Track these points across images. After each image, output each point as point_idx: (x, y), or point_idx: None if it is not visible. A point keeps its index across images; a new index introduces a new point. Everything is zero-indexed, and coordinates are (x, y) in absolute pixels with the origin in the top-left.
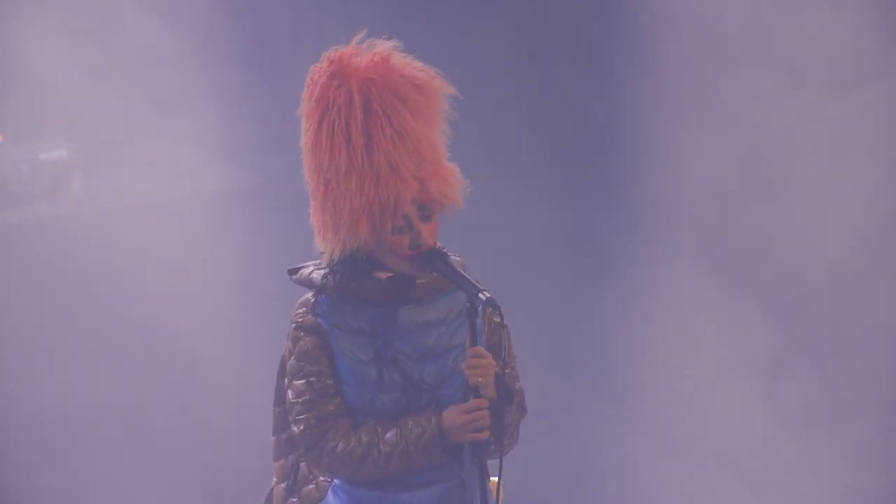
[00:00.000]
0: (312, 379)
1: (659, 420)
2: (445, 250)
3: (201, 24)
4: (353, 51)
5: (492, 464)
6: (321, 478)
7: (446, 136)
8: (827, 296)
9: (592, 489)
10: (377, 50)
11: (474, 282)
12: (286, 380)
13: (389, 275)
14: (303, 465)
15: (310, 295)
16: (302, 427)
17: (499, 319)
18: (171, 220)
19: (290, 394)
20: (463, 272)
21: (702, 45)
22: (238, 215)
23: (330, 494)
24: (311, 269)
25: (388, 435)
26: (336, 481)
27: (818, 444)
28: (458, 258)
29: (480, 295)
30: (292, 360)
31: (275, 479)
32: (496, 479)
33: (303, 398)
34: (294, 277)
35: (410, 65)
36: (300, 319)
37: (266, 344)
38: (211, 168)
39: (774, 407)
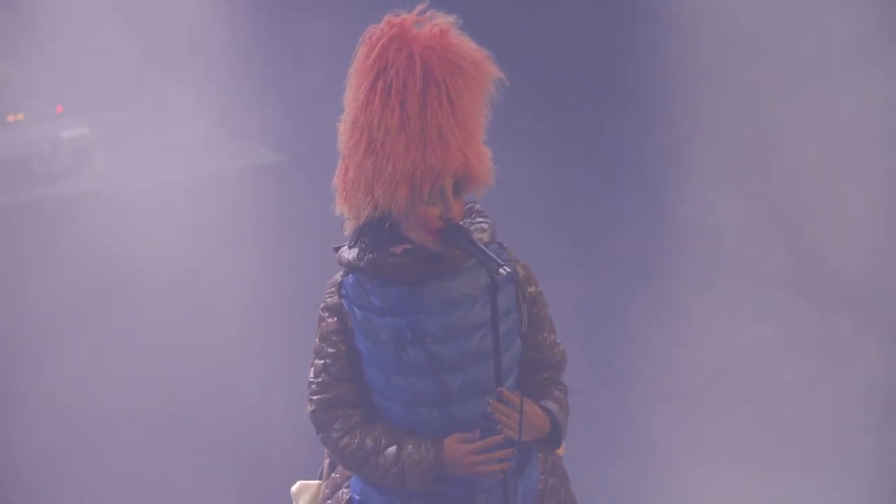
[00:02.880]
0: (329, 361)
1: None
2: (470, 221)
3: (230, 6)
4: (414, 18)
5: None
6: None
7: (487, 119)
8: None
9: (617, 466)
10: (436, 22)
11: (495, 257)
12: (312, 356)
13: (406, 247)
14: None
15: (339, 275)
16: (313, 408)
17: (533, 289)
18: (191, 198)
19: (311, 372)
20: (483, 247)
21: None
22: (257, 193)
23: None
24: (345, 247)
25: (389, 450)
26: None
27: (837, 424)
28: (489, 222)
29: (501, 270)
30: (316, 339)
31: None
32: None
33: (318, 379)
34: (336, 257)
35: (466, 42)
36: (327, 300)
37: (284, 321)
38: (230, 147)
39: (795, 388)
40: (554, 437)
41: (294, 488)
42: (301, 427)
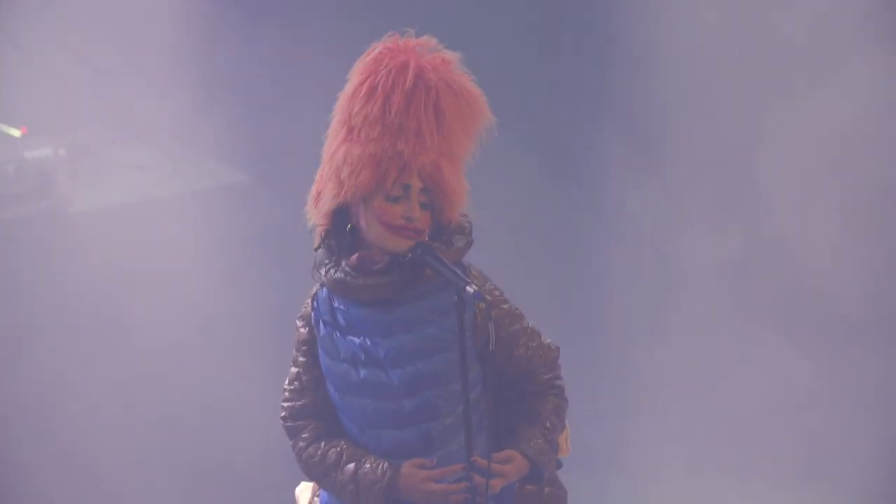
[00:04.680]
0: (300, 370)
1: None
2: (433, 244)
3: (194, 23)
4: (419, 42)
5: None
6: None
7: (471, 157)
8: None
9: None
10: (441, 52)
11: (461, 274)
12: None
13: (361, 254)
14: None
15: (317, 286)
16: (283, 415)
17: (484, 306)
18: (158, 220)
19: (286, 379)
20: (449, 265)
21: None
22: (226, 214)
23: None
24: (318, 253)
25: (348, 467)
26: None
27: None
28: (463, 241)
29: (468, 288)
30: (293, 348)
31: None
32: None
33: (291, 386)
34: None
35: (467, 77)
36: (303, 309)
37: (257, 342)
38: (198, 167)
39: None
40: (535, 476)
41: (298, 489)
42: (276, 437)
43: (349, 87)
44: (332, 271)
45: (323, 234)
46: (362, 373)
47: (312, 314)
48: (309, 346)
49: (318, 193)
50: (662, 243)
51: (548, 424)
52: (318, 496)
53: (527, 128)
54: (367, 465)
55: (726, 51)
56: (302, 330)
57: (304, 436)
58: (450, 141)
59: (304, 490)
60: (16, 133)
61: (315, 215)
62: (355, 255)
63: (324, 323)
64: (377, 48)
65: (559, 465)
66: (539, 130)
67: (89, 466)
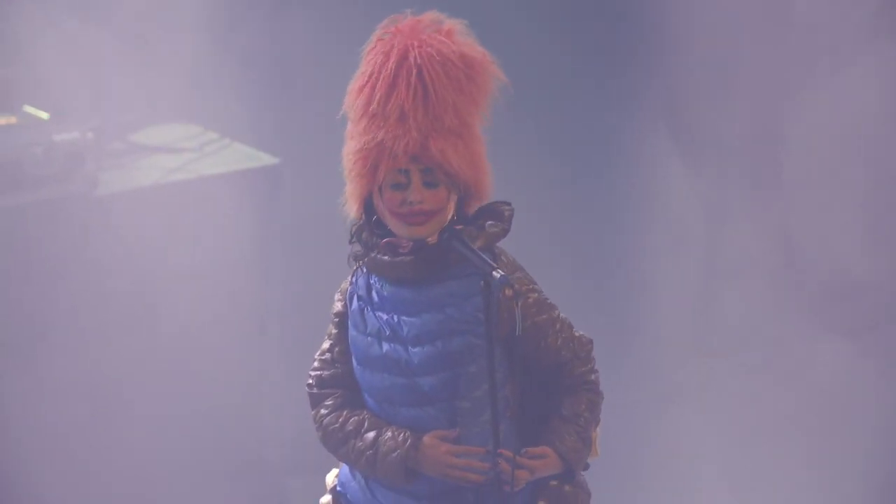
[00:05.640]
0: (333, 342)
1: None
2: (460, 227)
3: (214, 6)
4: (422, 19)
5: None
6: None
7: (485, 121)
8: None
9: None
10: (445, 24)
11: (488, 260)
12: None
13: (389, 240)
14: None
15: (359, 263)
16: (310, 382)
17: (511, 293)
18: (185, 203)
19: (319, 349)
20: (476, 251)
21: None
22: (256, 197)
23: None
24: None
25: (368, 434)
26: None
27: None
28: (496, 227)
29: (494, 273)
30: (330, 322)
31: None
32: None
33: (322, 357)
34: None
35: (469, 43)
36: (342, 284)
37: (286, 327)
38: (226, 150)
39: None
40: (567, 475)
41: (328, 476)
42: (294, 429)
43: (355, 83)
44: (368, 253)
45: (354, 229)
46: (385, 348)
47: (349, 289)
48: (341, 319)
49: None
50: (703, 237)
51: (581, 421)
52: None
53: (559, 119)
54: (389, 434)
55: (763, 42)
56: (338, 303)
57: (327, 403)
58: (439, 113)
59: (332, 476)
60: (44, 115)
61: (350, 209)
62: (384, 241)
63: (358, 297)
64: (379, 33)
65: (586, 466)
66: (577, 123)
67: (133, 454)
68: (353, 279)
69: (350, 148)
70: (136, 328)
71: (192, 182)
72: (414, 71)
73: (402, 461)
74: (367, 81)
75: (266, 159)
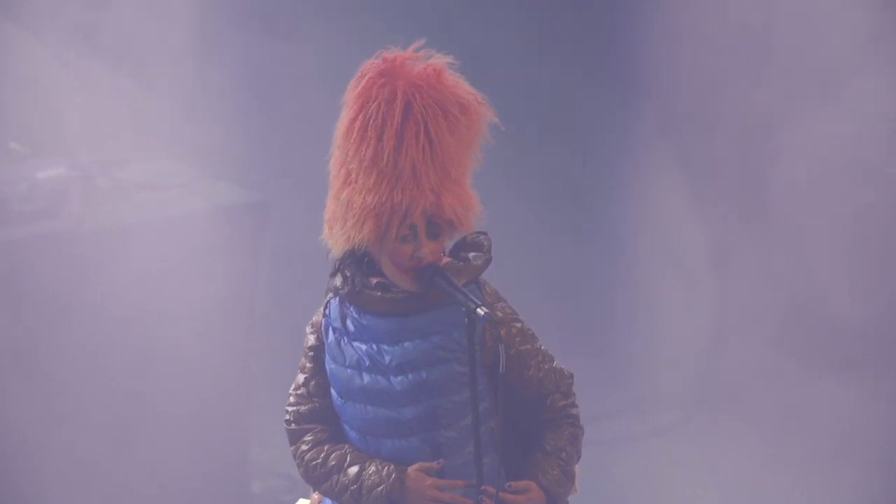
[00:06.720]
0: (308, 376)
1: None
2: (445, 264)
3: (210, 38)
4: (409, 55)
5: None
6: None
7: (476, 162)
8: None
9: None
10: (432, 61)
11: (471, 297)
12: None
13: (380, 280)
14: None
15: (330, 296)
16: (287, 419)
17: (514, 328)
18: (171, 238)
19: (292, 385)
20: (459, 287)
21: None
22: (238, 232)
23: None
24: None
25: (352, 469)
26: None
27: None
28: (479, 259)
29: (479, 310)
30: (302, 355)
31: None
32: None
33: (297, 391)
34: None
35: (460, 84)
36: (314, 318)
37: (266, 359)
38: (211, 185)
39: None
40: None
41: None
42: (284, 464)
43: (343, 122)
44: (349, 286)
45: (338, 263)
46: (366, 379)
47: (323, 321)
48: (316, 353)
49: (331, 226)
50: (708, 278)
51: (563, 455)
52: None
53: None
54: (372, 468)
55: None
56: (311, 336)
57: (307, 439)
58: (446, 167)
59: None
60: (26, 151)
61: (331, 245)
62: (375, 281)
63: (333, 329)
64: (366, 75)
65: (566, 503)
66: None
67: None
68: (326, 311)
69: (350, 198)
70: (124, 364)
71: (178, 218)
72: (422, 127)
73: (388, 495)
74: (368, 129)
75: (251, 196)
